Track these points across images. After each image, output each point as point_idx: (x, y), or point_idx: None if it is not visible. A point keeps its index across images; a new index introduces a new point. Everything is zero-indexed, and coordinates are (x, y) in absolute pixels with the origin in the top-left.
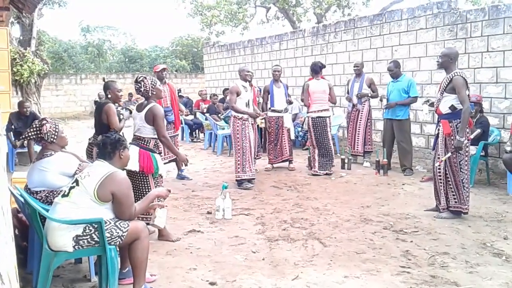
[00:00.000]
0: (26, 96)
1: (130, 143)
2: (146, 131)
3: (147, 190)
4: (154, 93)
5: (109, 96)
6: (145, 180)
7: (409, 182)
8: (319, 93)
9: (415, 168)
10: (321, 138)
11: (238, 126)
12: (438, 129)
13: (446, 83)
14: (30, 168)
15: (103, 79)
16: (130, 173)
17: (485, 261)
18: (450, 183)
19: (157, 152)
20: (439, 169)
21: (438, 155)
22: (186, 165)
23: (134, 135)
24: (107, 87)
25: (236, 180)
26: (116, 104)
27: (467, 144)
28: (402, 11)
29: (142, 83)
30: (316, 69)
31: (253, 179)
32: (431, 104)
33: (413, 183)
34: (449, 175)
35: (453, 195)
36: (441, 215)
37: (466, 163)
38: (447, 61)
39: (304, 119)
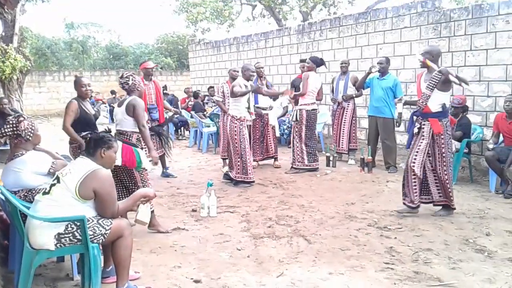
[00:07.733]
0: (8, 93)
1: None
2: (127, 124)
3: (132, 183)
4: (139, 89)
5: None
6: (130, 174)
7: (393, 179)
8: (315, 86)
9: (399, 166)
10: (311, 131)
11: (236, 127)
12: (419, 128)
13: (437, 80)
14: (4, 170)
15: (76, 76)
16: (116, 168)
17: (467, 257)
18: (415, 178)
19: (140, 146)
20: (414, 164)
21: (420, 153)
22: (155, 164)
23: (116, 130)
24: (74, 83)
25: (235, 180)
26: (100, 102)
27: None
28: (387, 9)
29: (128, 79)
30: (319, 62)
31: (253, 181)
32: (412, 103)
33: (397, 180)
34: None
35: (414, 190)
36: (439, 213)
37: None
38: (429, 59)
39: (295, 111)
